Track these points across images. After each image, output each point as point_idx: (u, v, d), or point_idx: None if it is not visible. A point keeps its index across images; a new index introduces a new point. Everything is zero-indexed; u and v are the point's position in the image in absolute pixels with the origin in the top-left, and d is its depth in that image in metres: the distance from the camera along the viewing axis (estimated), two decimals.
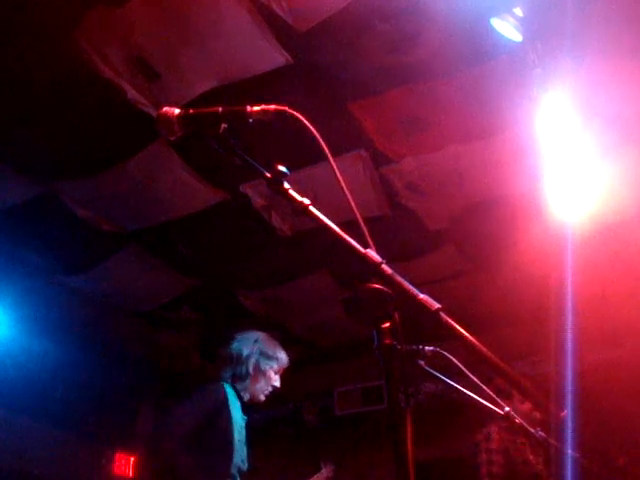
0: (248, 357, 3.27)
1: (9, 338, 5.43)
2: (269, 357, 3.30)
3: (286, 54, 3.48)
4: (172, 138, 1.56)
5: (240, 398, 3.24)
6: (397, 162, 4.33)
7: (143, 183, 4.37)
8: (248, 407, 3.30)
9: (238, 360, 3.28)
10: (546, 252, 4.35)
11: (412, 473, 1.28)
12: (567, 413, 3.43)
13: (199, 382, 3.24)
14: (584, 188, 4.01)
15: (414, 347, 2.34)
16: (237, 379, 3.25)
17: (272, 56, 3.48)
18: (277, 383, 3.35)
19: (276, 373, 3.34)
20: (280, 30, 3.37)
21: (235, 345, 3.34)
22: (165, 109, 1.54)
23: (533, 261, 4.60)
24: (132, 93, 3.64)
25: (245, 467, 3.14)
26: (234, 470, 3.02)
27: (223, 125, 1.51)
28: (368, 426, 6.45)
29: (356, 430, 6.67)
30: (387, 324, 1.37)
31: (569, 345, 4.23)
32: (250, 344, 3.33)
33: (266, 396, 3.31)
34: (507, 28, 3.22)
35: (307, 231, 4.71)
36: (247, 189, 4.50)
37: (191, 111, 1.54)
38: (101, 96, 3.70)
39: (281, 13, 3.26)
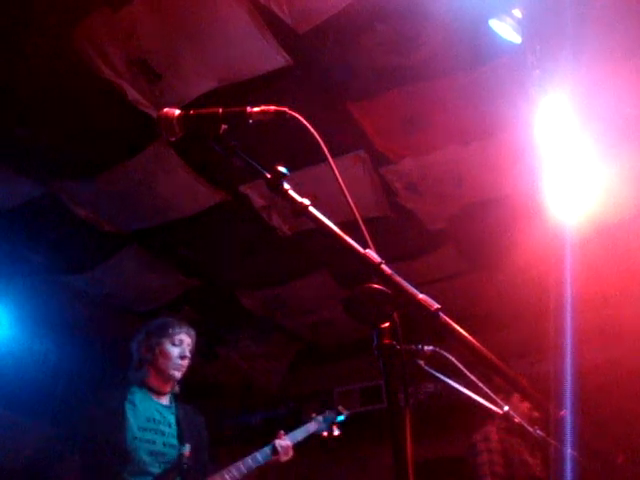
0: (138, 346, 3.29)
1: (10, 337, 5.44)
2: (157, 335, 3.27)
3: (286, 55, 3.48)
4: (172, 139, 1.57)
5: (150, 387, 3.22)
6: (396, 163, 4.34)
7: (143, 183, 4.38)
8: (171, 391, 3.28)
9: (133, 354, 3.30)
10: (545, 252, 4.36)
11: (411, 473, 1.29)
12: (566, 413, 3.43)
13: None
14: (583, 189, 4.02)
15: (414, 347, 2.35)
16: (137, 371, 3.25)
17: (272, 57, 3.49)
18: (185, 353, 3.27)
19: (176, 345, 3.26)
20: (280, 31, 3.38)
21: (131, 344, 3.36)
22: (165, 110, 1.55)
23: (532, 261, 4.61)
24: (133, 94, 3.65)
25: (172, 454, 3.09)
26: (142, 467, 2.99)
27: (223, 126, 1.52)
28: (368, 426, 6.46)
29: (356, 430, 6.67)
30: (387, 324, 1.38)
31: (568, 345, 4.24)
32: (138, 334, 3.34)
33: (180, 370, 3.25)
34: (506, 29, 3.22)
35: (307, 231, 4.72)
36: (247, 189, 4.51)
37: (191, 112, 1.55)
38: (102, 97, 3.71)
39: (281, 14, 3.27)
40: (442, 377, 2.38)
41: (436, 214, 4.81)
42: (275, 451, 3.38)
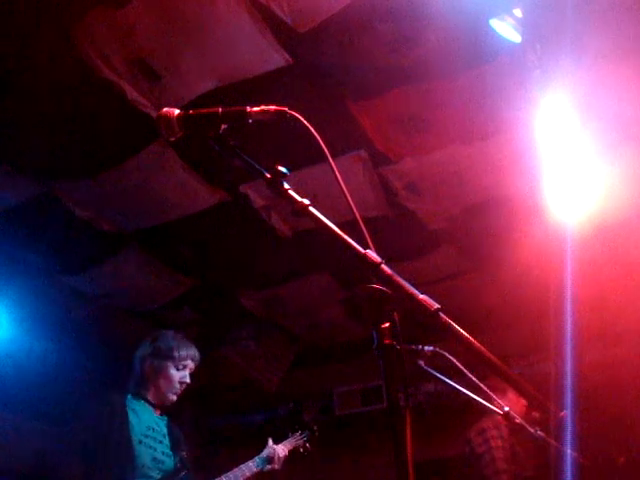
0: (142, 360, 3.29)
1: (9, 338, 5.43)
2: (164, 356, 3.26)
3: (286, 54, 3.48)
4: (172, 139, 1.57)
5: (148, 401, 3.25)
6: (396, 162, 4.33)
7: (143, 183, 4.37)
8: (166, 407, 3.32)
9: (134, 365, 3.31)
10: (546, 252, 4.36)
11: (412, 473, 1.29)
12: (567, 413, 3.43)
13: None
14: (583, 188, 4.02)
15: (414, 347, 2.35)
16: (138, 383, 3.27)
17: (272, 56, 3.48)
18: (186, 379, 3.30)
19: (179, 370, 3.28)
20: (280, 30, 3.37)
21: (136, 350, 3.36)
22: (165, 110, 1.55)
23: (533, 261, 4.60)
24: (132, 94, 3.64)
25: (169, 463, 3.16)
26: (145, 471, 3.05)
27: (223, 126, 1.52)
28: (368, 426, 6.46)
29: (356, 430, 6.67)
30: (387, 324, 1.38)
31: (569, 345, 4.24)
32: (144, 347, 3.34)
33: (177, 394, 3.28)
34: (506, 29, 3.22)
35: (307, 231, 4.72)
36: (247, 189, 4.50)
37: (191, 112, 1.55)
38: (101, 97, 3.70)
39: (281, 14, 3.27)
40: (442, 377, 2.38)
41: (436, 214, 4.81)
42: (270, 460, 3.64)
